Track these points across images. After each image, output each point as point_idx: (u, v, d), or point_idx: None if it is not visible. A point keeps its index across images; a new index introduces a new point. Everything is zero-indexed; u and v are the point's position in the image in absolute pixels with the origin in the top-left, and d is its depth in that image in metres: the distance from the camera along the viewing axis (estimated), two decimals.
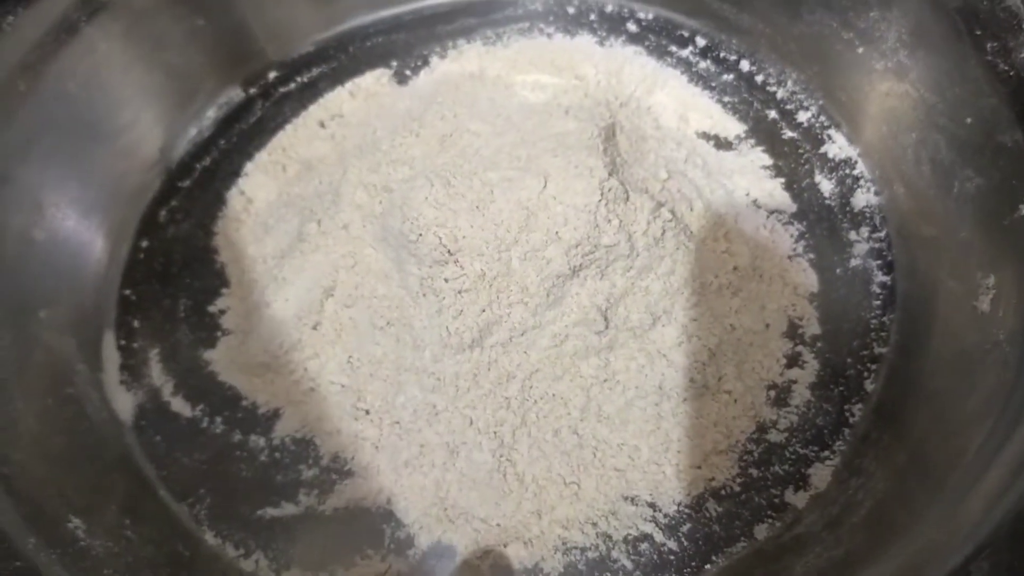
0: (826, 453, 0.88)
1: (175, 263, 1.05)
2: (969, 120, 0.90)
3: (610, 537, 0.85)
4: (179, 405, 0.96)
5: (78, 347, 0.97)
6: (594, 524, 0.86)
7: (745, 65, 1.15)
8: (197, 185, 1.11)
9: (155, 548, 0.84)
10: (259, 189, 1.08)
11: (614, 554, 0.85)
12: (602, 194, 0.86)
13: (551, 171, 0.87)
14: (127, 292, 1.04)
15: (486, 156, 0.90)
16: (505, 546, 0.85)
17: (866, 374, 0.92)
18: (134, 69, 1.09)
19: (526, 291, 0.85)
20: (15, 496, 0.78)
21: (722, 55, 1.17)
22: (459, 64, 1.16)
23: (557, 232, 0.85)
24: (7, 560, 0.72)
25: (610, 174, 0.87)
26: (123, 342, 1.00)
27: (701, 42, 1.18)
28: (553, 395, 0.88)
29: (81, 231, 1.03)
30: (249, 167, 1.11)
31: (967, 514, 0.71)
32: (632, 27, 1.19)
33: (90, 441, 0.91)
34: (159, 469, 0.92)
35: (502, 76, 1.11)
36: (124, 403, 0.96)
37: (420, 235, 0.85)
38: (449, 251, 0.85)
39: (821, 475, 0.87)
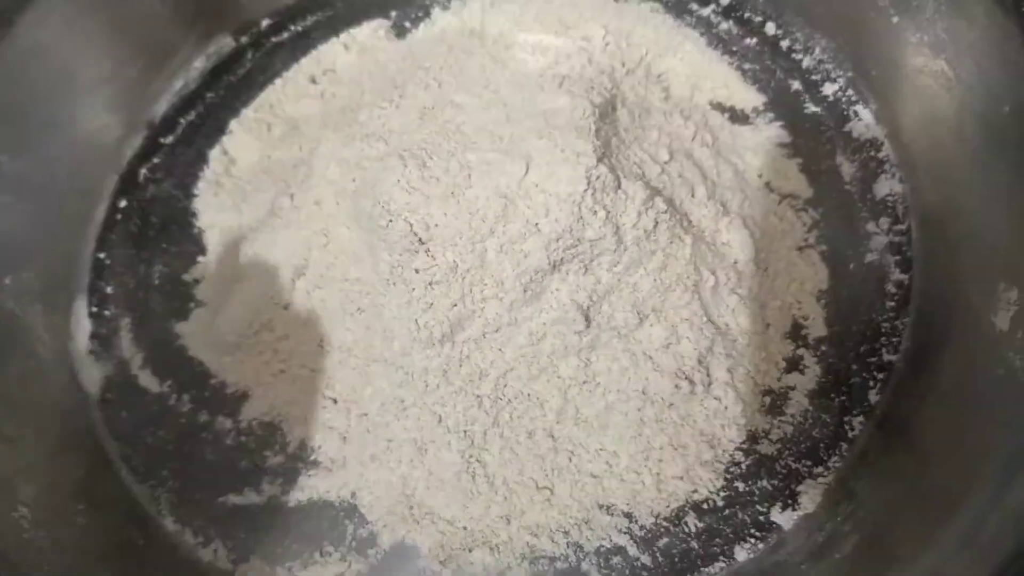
0: (819, 469, 0.83)
1: (152, 226, 1.01)
2: (1007, 109, 0.80)
3: (581, 547, 0.81)
4: (147, 380, 0.92)
5: (46, 314, 0.93)
6: (565, 532, 0.81)
7: (771, 28, 1.06)
8: (180, 142, 1.06)
9: (107, 536, 0.82)
10: (242, 149, 1.03)
11: (584, 566, 0.81)
12: (588, 183, 0.78)
13: (534, 155, 0.79)
14: (101, 255, 0.99)
15: (467, 134, 0.83)
16: (470, 551, 0.81)
17: (871, 383, 0.86)
18: (115, 16, 1.02)
19: (501, 286, 0.79)
20: None
21: (746, 15, 1.07)
22: (460, 18, 1.07)
23: (537, 224, 0.78)
24: None
25: (599, 160, 0.80)
26: (94, 309, 0.96)
27: (724, 0, 1.08)
28: (528, 395, 0.83)
29: (54, 190, 0.98)
30: (234, 124, 1.05)
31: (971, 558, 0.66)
32: None
33: (50, 418, 0.88)
34: (122, 447, 0.89)
35: (503, 34, 1.02)
36: (92, 374, 0.93)
37: (390, 221, 0.79)
38: (420, 240, 0.79)
39: (811, 494, 0.81)
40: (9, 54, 0.92)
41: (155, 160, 1.05)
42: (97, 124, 1.02)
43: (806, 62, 1.03)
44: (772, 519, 0.81)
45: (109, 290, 0.98)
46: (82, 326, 0.95)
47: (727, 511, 0.82)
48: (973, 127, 0.85)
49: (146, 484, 0.87)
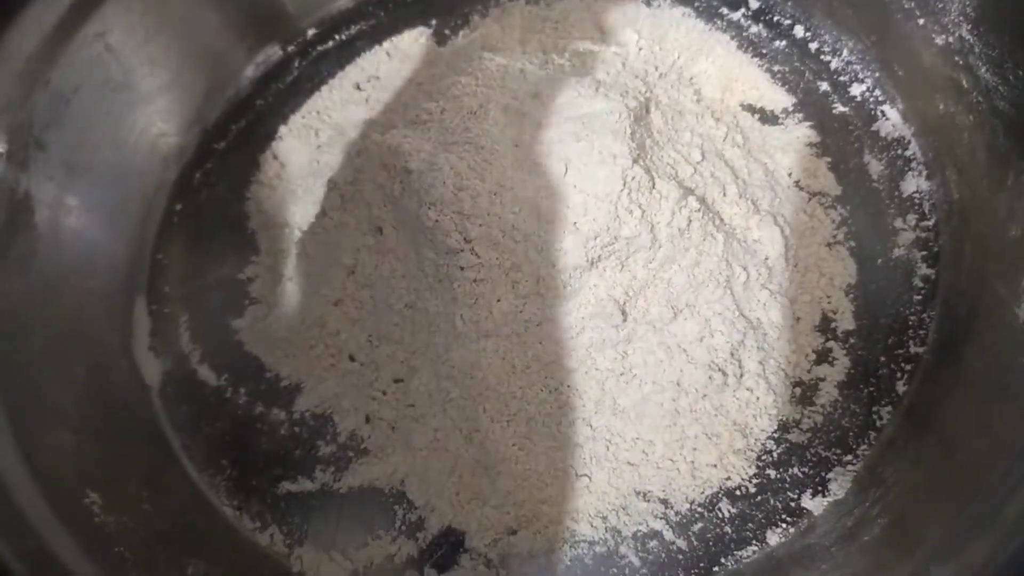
0: (848, 457, 0.85)
1: (208, 227, 1.06)
2: None
3: (619, 532, 0.85)
4: (205, 373, 0.97)
5: (109, 313, 0.98)
6: (604, 518, 0.85)
7: (799, 31, 1.09)
8: (232, 147, 1.11)
9: (171, 522, 0.86)
10: (291, 154, 1.08)
11: (622, 549, 0.84)
12: (624, 183, 0.82)
13: (573, 157, 0.84)
14: (159, 256, 1.05)
15: (509, 137, 0.87)
16: (513, 534, 0.85)
17: (899, 374, 0.88)
18: (170, 28, 1.07)
19: (541, 282, 0.83)
20: (35, 471, 0.79)
21: (775, 19, 1.10)
22: (499, 25, 1.12)
23: (575, 223, 0.82)
24: (21, 538, 0.74)
25: (635, 161, 0.84)
26: (154, 307, 1.01)
27: (754, 4, 1.11)
28: (568, 387, 0.86)
29: (116, 195, 1.03)
30: (283, 130, 1.10)
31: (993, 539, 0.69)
32: None
33: (116, 411, 0.92)
34: (183, 438, 0.94)
35: (540, 41, 1.06)
36: (152, 369, 0.97)
37: (436, 221, 0.83)
38: (465, 239, 0.83)
39: (841, 481, 0.84)
40: (73, 64, 0.97)
41: (209, 165, 1.10)
42: (154, 131, 1.08)
43: (834, 63, 1.06)
44: (803, 505, 0.84)
45: (167, 289, 1.02)
46: (142, 324, 1.00)
47: (759, 497, 0.85)
48: (997, 126, 0.87)
49: (206, 472, 0.92)
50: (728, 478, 0.85)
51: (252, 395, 0.95)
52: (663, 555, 0.83)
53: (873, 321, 0.91)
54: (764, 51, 1.08)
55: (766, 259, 0.90)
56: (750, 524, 0.84)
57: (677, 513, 0.85)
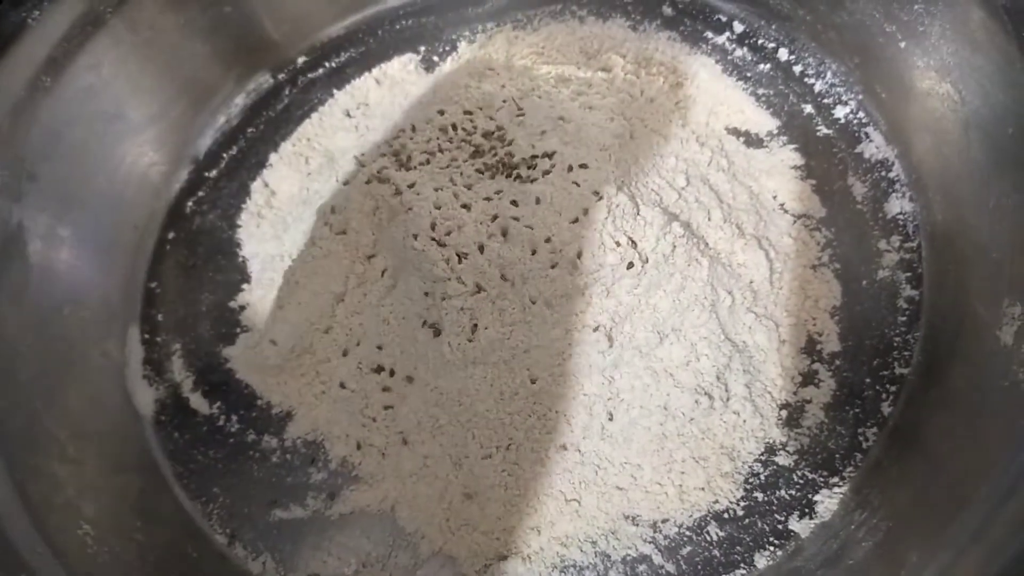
0: (835, 479, 0.86)
1: (199, 256, 1.07)
2: (1011, 131, 0.84)
3: (608, 557, 0.85)
4: (197, 402, 0.98)
5: (102, 342, 0.99)
6: (593, 543, 0.86)
7: (783, 54, 1.10)
8: (224, 175, 1.12)
9: (163, 551, 0.87)
10: (282, 181, 1.09)
11: (612, 574, 0.84)
12: (609, 211, 0.84)
13: (558, 184, 0.85)
14: (152, 285, 1.05)
15: (494, 166, 0.88)
16: (504, 560, 0.86)
17: (884, 396, 0.89)
18: (161, 59, 1.09)
19: (528, 310, 0.84)
20: (27, 501, 0.80)
21: (760, 42, 1.11)
22: (486, 50, 1.13)
23: (561, 250, 0.83)
24: (13, 570, 0.75)
25: (619, 188, 0.85)
26: (147, 336, 1.02)
27: (738, 28, 1.12)
28: (556, 412, 0.87)
29: (108, 225, 1.04)
30: (274, 158, 1.11)
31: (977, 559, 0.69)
32: (668, 10, 1.15)
33: (109, 441, 0.93)
34: (175, 466, 0.95)
35: (527, 67, 1.07)
36: (145, 398, 0.98)
37: (423, 250, 0.85)
38: (451, 268, 0.84)
39: (827, 503, 0.85)
40: (64, 96, 0.99)
41: (200, 193, 1.11)
42: (146, 161, 1.09)
43: (818, 86, 1.07)
44: (790, 527, 0.84)
45: (160, 318, 1.03)
46: (135, 352, 1.01)
47: (747, 520, 0.85)
48: (979, 148, 0.88)
49: (198, 501, 0.93)
50: (716, 501, 0.86)
51: (244, 423, 0.96)
52: None
53: (858, 343, 0.92)
54: (749, 74, 1.09)
55: (751, 282, 0.91)
56: (738, 547, 0.84)
57: (666, 537, 0.85)
